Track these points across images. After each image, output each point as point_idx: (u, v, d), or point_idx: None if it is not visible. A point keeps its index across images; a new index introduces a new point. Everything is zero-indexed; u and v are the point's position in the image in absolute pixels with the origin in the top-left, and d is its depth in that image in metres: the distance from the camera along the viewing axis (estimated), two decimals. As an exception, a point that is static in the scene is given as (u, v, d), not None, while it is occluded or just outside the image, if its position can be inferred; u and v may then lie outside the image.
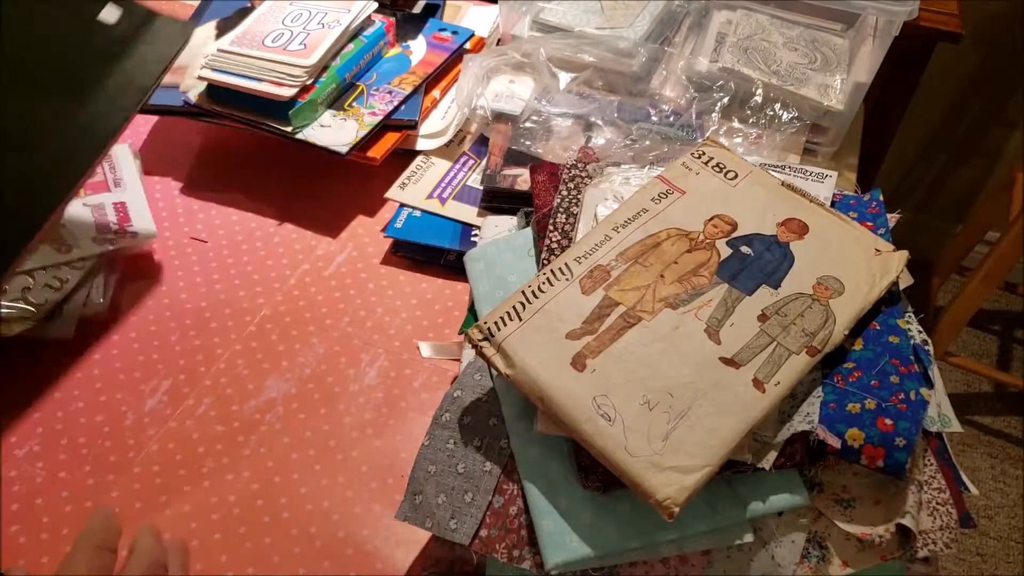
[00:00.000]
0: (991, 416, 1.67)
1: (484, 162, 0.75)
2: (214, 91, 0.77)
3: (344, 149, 0.73)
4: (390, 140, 0.76)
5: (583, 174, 0.62)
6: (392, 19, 0.86)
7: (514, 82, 0.80)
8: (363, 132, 0.74)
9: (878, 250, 0.53)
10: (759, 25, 0.84)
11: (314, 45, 0.77)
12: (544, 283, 0.50)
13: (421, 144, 0.79)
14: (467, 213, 0.72)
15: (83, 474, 0.57)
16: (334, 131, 0.75)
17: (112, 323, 0.67)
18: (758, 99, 0.77)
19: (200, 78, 0.76)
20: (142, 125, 0.85)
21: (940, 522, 0.45)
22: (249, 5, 0.88)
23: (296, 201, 0.78)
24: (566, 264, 0.51)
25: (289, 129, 0.74)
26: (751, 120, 0.76)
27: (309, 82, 0.75)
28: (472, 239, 0.70)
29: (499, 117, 0.77)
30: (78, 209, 0.69)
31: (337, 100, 0.78)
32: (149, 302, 0.68)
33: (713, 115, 0.76)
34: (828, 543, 0.46)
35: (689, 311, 0.48)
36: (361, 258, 0.73)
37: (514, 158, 0.74)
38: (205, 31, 0.88)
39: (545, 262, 0.56)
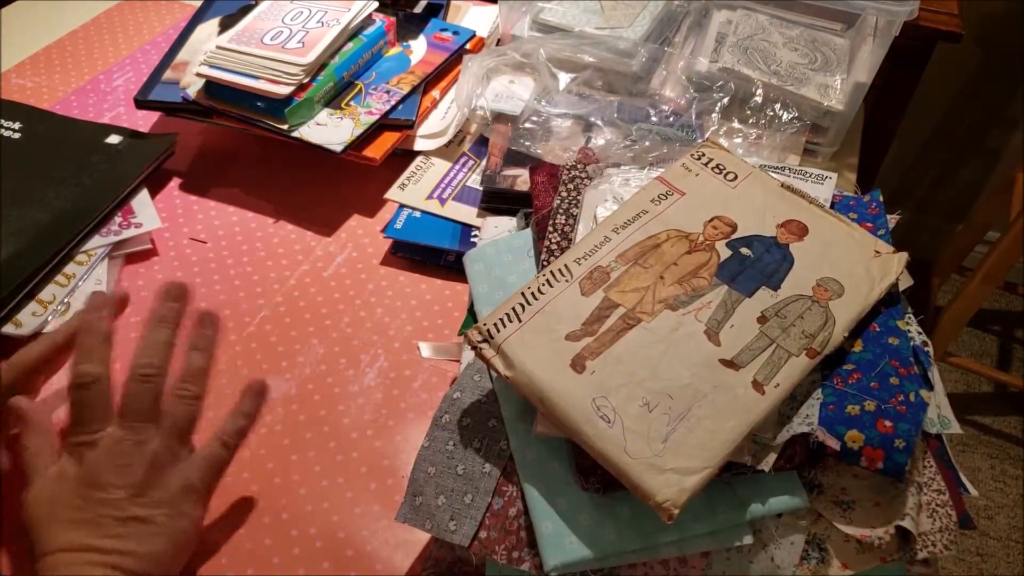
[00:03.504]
0: (991, 416, 1.67)
1: (484, 163, 0.75)
2: (212, 88, 0.77)
3: (339, 148, 0.73)
4: (389, 140, 0.76)
5: (583, 175, 0.62)
6: (393, 19, 0.86)
7: (514, 82, 0.80)
8: (359, 131, 0.74)
9: (878, 252, 0.53)
10: (759, 25, 0.84)
11: (312, 43, 0.77)
12: (544, 284, 0.50)
13: (421, 144, 0.79)
14: (467, 214, 0.72)
15: (82, 475, 0.57)
16: (330, 129, 0.75)
17: (112, 324, 0.66)
18: (758, 99, 0.77)
19: (198, 74, 0.76)
20: (142, 126, 0.85)
21: (940, 524, 0.45)
22: (252, 3, 0.88)
23: (295, 202, 0.78)
24: (566, 265, 0.51)
25: (285, 127, 0.74)
26: (751, 120, 0.76)
27: (306, 80, 0.75)
28: (472, 240, 0.70)
29: (499, 117, 0.77)
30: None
31: (335, 99, 0.78)
32: (149, 303, 0.68)
33: (713, 115, 0.76)
34: (828, 545, 0.46)
35: (689, 313, 0.48)
36: (361, 258, 0.73)
37: (514, 159, 0.74)
38: (208, 28, 0.88)
39: (545, 263, 0.56)
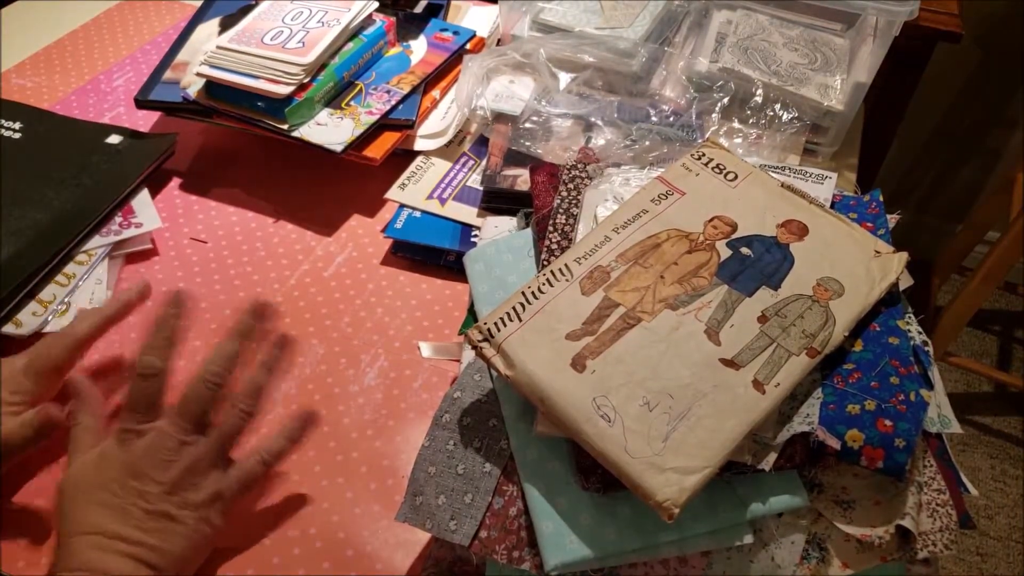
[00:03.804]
0: (991, 416, 1.67)
1: (484, 162, 0.75)
2: (213, 88, 0.77)
3: (339, 148, 0.73)
4: (390, 140, 0.76)
5: (583, 175, 0.62)
6: (393, 19, 0.86)
7: (514, 82, 0.80)
8: (359, 131, 0.74)
9: (878, 251, 0.53)
10: (759, 25, 0.84)
11: (312, 43, 0.77)
12: (544, 284, 0.50)
13: (421, 144, 0.79)
14: (467, 214, 0.72)
15: (83, 474, 0.57)
16: (330, 129, 0.75)
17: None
18: (758, 99, 0.77)
19: (199, 74, 0.76)
20: (142, 126, 0.85)
21: (940, 523, 0.45)
22: (252, 3, 0.88)
23: (295, 202, 0.78)
24: (566, 265, 0.51)
25: (285, 127, 0.74)
26: (751, 120, 0.76)
27: (306, 80, 0.75)
28: (472, 240, 0.70)
29: (499, 117, 0.77)
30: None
31: (335, 99, 0.78)
32: (149, 303, 0.68)
33: (713, 115, 0.76)
34: (828, 544, 0.46)
35: (689, 312, 0.48)
36: (361, 258, 0.73)
37: (514, 158, 0.74)
38: (208, 28, 0.88)
39: (545, 263, 0.56)
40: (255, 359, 0.54)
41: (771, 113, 0.76)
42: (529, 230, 0.61)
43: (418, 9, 0.93)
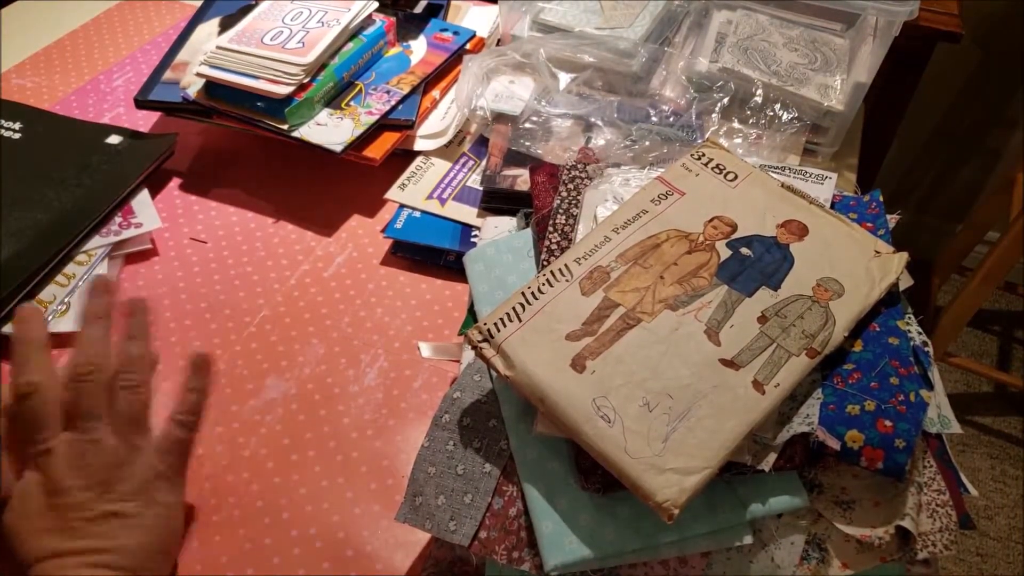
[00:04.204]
0: (991, 416, 1.67)
1: (484, 163, 0.75)
2: (212, 88, 0.77)
3: (339, 148, 0.73)
4: (389, 140, 0.76)
5: (583, 175, 0.62)
6: (393, 19, 0.86)
7: (514, 82, 0.80)
8: (359, 131, 0.74)
9: (878, 252, 0.53)
10: (759, 25, 0.84)
11: (312, 43, 0.77)
12: (544, 284, 0.50)
13: (421, 144, 0.79)
14: (467, 214, 0.72)
15: (82, 475, 0.57)
16: (330, 130, 0.75)
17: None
18: (758, 99, 0.77)
19: (198, 75, 0.76)
20: (142, 126, 0.85)
21: (940, 524, 0.45)
22: (252, 3, 0.88)
23: (295, 202, 0.78)
24: (566, 265, 0.51)
25: (285, 127, 0.74)
26: (751, 121, 0.76)
27: (306, 80, 0.75)
28: (472, 240, 0.70)
29: (499, 117, 0.77)
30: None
31: (335, 99, 0.78)
32: (149, 303, 0.68)
33: (713, 116, 0.76)
34: (828, 545, 0.45)
35: (689, 312, 0.48)
36: (361, 258, 0.73)
37: (514, 159, 0.74)
38: (208, 28, 0.88)
39: (545, 263, 0.56)
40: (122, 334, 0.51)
41: (771, 113, 0.76)
42: (529, 230, 0.61)
43: (418, 9, 0.93)
